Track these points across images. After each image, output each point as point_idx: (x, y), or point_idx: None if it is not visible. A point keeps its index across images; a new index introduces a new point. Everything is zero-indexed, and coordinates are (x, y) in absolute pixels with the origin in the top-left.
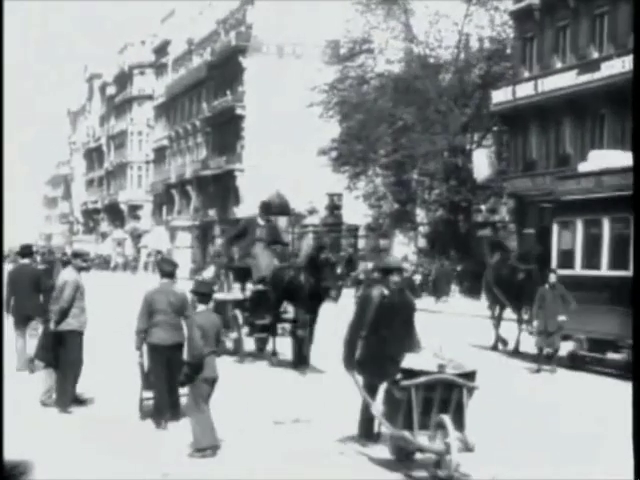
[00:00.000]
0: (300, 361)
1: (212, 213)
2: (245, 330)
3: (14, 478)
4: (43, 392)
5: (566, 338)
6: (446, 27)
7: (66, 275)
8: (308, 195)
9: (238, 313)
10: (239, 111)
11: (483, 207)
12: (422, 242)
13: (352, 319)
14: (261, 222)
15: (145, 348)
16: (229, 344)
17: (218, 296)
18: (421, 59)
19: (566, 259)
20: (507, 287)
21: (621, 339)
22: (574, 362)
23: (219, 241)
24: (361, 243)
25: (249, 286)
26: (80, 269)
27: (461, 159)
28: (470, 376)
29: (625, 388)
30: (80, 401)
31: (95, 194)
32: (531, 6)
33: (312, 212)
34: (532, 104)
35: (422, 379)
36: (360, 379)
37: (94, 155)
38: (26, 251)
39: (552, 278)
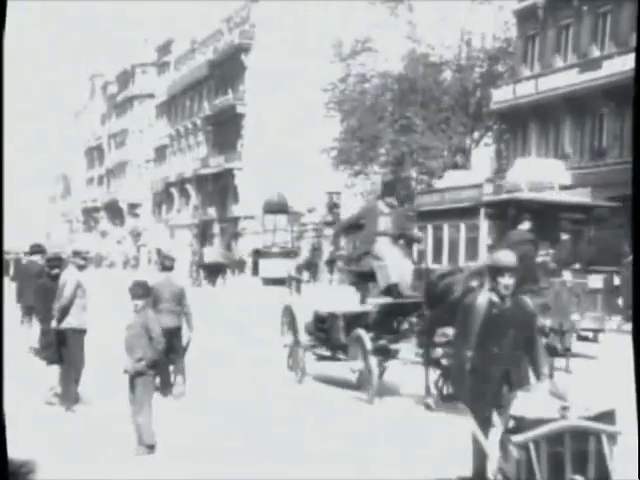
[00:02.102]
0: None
1: (211, 211)
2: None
3: (19, 477)
4: (47, 390)
5: None
6: (449, 25)
7: (66, 274)
8: (307, 193)
9: (363, 333)
10: (240, 110)
11: None
12: None
13: (454, 336)
14: (384, 208)
15: None
16: (351, 374)
17: (323, 308)
18: (423, 58)
19: (420, 256)
20: None
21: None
22: None
23: (192, 242)
24: None
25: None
26: (80, 267)
27: (461, 158)
28: (607, 417)
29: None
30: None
31: (95, 192)
32: (535, 5)
33: (311, 210)
34: (532, 103)
35: (541, 430)
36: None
37: (95, 153)
38: (35, 249)
39: (567, 275)
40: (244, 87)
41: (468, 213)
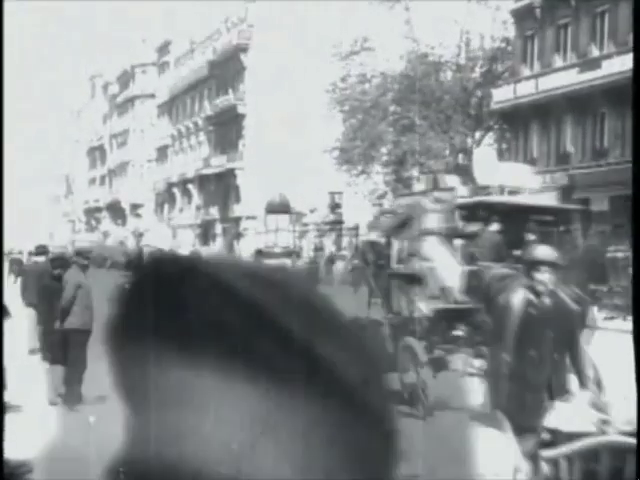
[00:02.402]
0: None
1: (214, 211)
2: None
3: (19, 477)
4: (50, 391)
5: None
6: (447, 25)
7: (68, 274)
8: (309, 194)
9: (415, 342)
10: (241, 110)
11: None
12: None
13: (490, 339)
14: (432, 205)
15: None
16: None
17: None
18: (422, 57)
19: (471, 256)
20: None
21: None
22: None
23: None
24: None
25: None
26: (83, 267)
27: (462, 157)
28: None
29: None
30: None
31: (97, 192)
32: (532, 4)
33: (313, 211)
34: (533, 102)
35: (575, 445)
36: (506, 423)
37: (96, 154)
38: (40, 250)
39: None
40: (244, 87)
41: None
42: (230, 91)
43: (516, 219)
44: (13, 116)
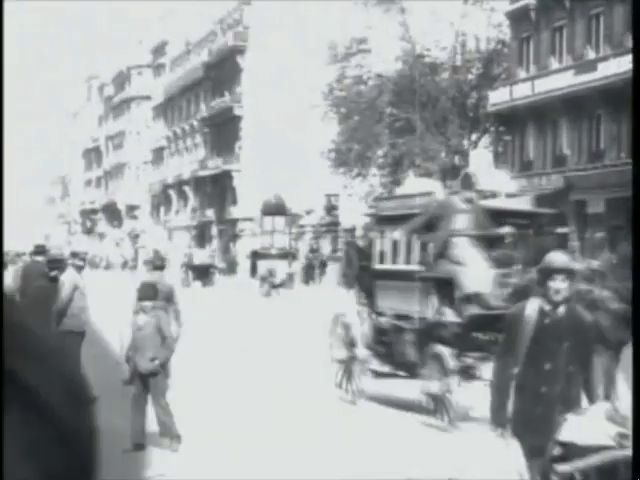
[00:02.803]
0: None
1: (209, 213)
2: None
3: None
4: None
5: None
6: (443, 27)
7: (64, 276)
8: (305, 195)
9: (443, 350)
10: (237, 111)
11: None
12: None
13: (499, 349)
14: (462, 204)
15: None
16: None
17: (385, 319)
18: (418, 59)
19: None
20: None
21: (410, 313)
22: None
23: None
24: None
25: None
26: (78, 268)
27: (458, 159)
28: None
29: None
30: None
31: (93, 194)
32: (527, 6)
33: (309, 212)
34: (529, 104)
35: (592, 460)
36: (515, 442)
37: (92, 155)
38: (39, 250)
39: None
40: (241, 89)
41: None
42: (226, 93)
43: (493, 222)
44: (13, 116)
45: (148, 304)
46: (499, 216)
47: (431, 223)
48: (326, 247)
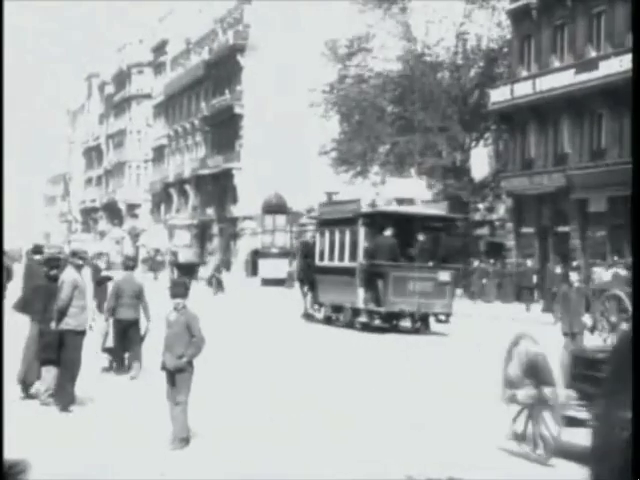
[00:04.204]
0: None
1: (210, 212)
2: None
3: (12, 477)
4: (42, 391)
5: (321, 305)
6: (444, 26)
7: (65, 274)
8: (306, 194)
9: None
10: (237, 110)
11: (481, 205)
12: None
13: (602, 391)
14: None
15: (111, 321)
16: None
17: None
18: (419, 58)
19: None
20: None
21: (344, 303)
22: (327, 321)
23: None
24: None
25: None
26: (79, 267)
27: (460, 157)
28: None
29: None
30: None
31: (94, 193)
32: (528, 5)
33: (310, 211)
34: (530, 103)
35: None
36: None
37: (93, 154)
38: (38, 249)
39: (574, 276)
40: (241, 87)
41: (351, 222)
42: (227, 91)
43: (409, 225)
44: (13, 116)
45: (180, 301)
46: (412, 220)
47: None
48: None
